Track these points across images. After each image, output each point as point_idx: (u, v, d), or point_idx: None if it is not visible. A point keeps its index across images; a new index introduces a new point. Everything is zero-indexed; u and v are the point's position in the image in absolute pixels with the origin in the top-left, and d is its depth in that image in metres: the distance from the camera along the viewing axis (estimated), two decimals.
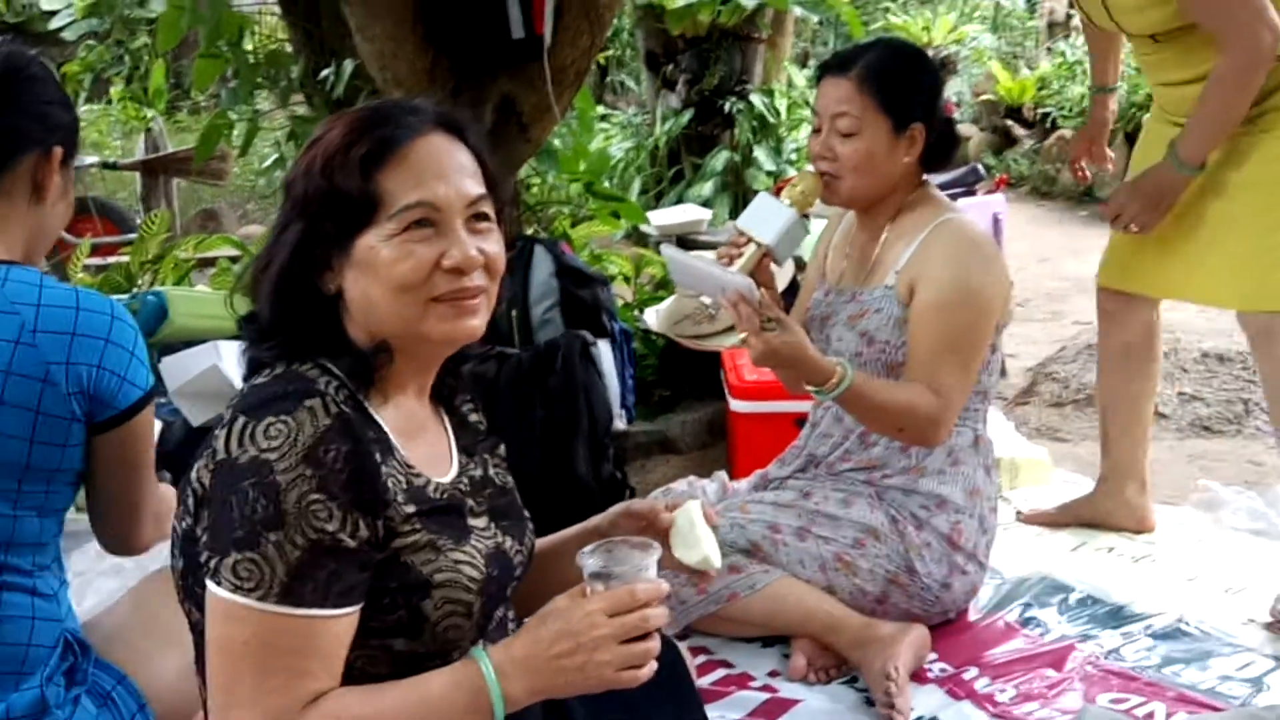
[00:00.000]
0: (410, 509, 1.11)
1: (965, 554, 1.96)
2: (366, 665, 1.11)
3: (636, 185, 7.18)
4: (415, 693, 1.08)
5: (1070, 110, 8.19)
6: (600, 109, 9.22)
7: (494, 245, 1.16)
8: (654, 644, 1.10)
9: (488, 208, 1.16)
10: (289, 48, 3.45)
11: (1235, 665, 1.89)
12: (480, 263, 1.13)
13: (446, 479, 1.21)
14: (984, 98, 9.24)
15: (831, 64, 1.99)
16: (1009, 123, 9.01)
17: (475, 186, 1.15)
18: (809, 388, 1.84)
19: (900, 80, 1.92)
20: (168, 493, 1.51)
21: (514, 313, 2.76)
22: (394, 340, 1.14)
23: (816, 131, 1.97)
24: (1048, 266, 5.77)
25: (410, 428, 1.19)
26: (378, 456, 1.09)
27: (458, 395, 1.32)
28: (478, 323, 1.15)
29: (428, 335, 1.13)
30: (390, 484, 1.09)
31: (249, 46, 3.52)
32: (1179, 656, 1.93)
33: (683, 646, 1.58)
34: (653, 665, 1.11)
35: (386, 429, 1.14)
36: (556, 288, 2.77)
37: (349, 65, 3.00)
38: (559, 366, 2.51)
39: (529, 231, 3.44)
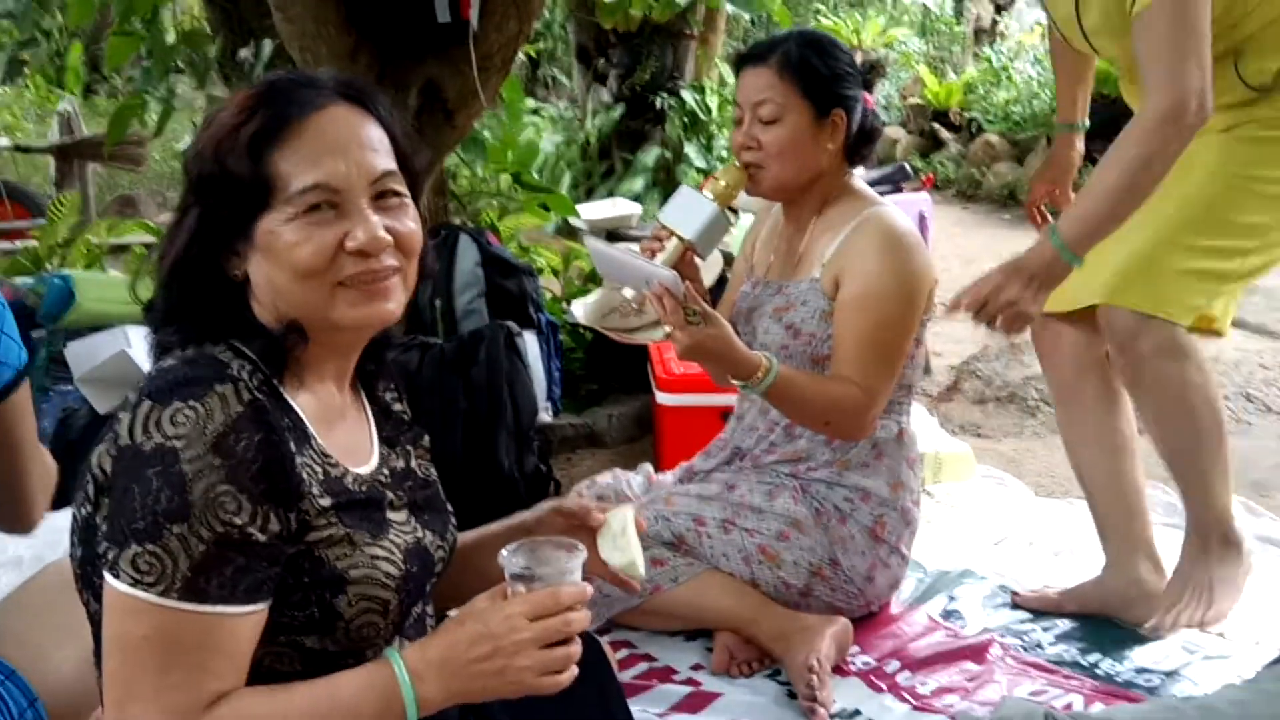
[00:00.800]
0: (326, 501, 1.06)
1: (888, 547, 1.96)
2: (275, 663, 1.06)
3: (567, 179, 7.13)
4: (324, 694, 1.03)
5: (995, 116, 8.34)
6: (531, 102, 9.15)
7: (406, 222, 1.10)
8: (575, 648, 1.07)
9: (397, 184, 1.11)
10: (207, 27, 3.34)
11: (1153, 657, 1.92)
12: (387, 243, 1.07)
13: (366, 470, 1.16)
14: (911, 101, 9.36)
15: (750, 54, 1.99)
16: (936, 126, 9.15)
17: (382, 161, 1.09)
18: (734, 381, 1.83)
19: (818, 67, 1.92)
20: (51, 464, 1.43)
21: (437, 302, 2.70)
22: (306, 325, 1.09)
23: (739, 123, 1.96)
24: (972, 268, 5.84)
25: (329, 416, 1.14)
26: (292, 446, 1.04)
27: (380, 383, 1.28)
28: (392, 306, 1.10)
29: (338, 322, 1.08)
30: (305, 475, 1.04)
31: (165, 25, 3.40)
32: (1098, 648, 1.96)
33: (604, 641, 1.55)
34: (573, 670, 1.07)
35: (303, 416, 1.09)
36: (482, 277, 2.72)
37: (268, 46, 2.91)
38: (483, 357, 2.46)
39: (460, 220, 3.39)
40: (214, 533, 0.97)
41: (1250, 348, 3.92)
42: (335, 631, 1.06)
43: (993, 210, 7.64)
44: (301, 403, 1.10)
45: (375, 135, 1.10)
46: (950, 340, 4.26)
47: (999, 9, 10.79)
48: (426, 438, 1.32)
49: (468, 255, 2.73)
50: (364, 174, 1.07)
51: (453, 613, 1.14)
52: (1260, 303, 4.49)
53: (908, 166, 3.90)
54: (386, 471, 1.19)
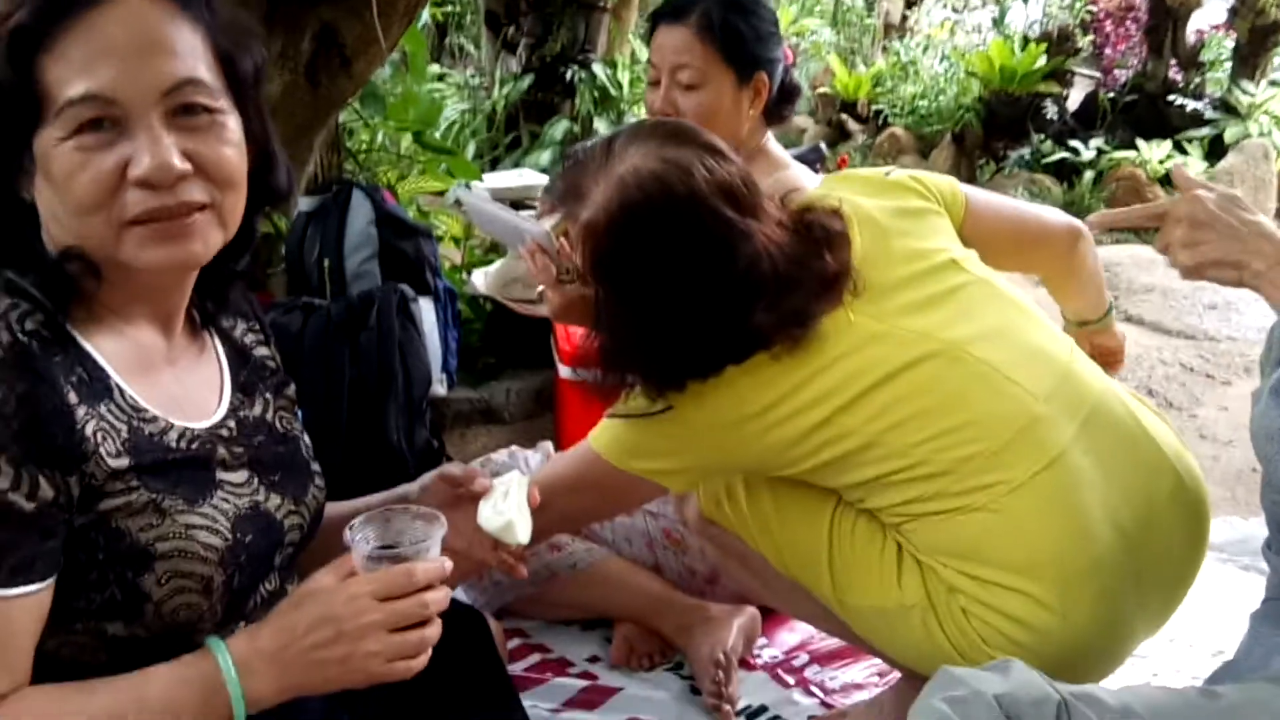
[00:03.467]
0: (124, 463, 0.89)
1: None
2: (78, 654, 0.90)
3: (471, 149, 6.91)
4: (129, 693, 0.87)
5: (902, 110, 8.39)
6: (436, 69, 8.87)
7: (217, 146, 0.92)
8: (431, 631, 0.93)
9: (204, 96, 0.91)
10: None
11: None
12: (181, 171, 0.88)
13: (205, 424, 0.99)
14: (821, 90, 9.38)
15: (665, 11, 1.86)
16: (844, 117, 9.20)
17: (180, 66, 0.90)
18: None
19: (742, 29, 1.80)
20: None
21: (326, 261, 2.51)
22: (99, 263, 0.91)
23: (654, 84, 1.83)
24: None
25: (146, 362, 0.97)
26: (73, 398, 0.87)
27: (235, 322, 1.11)
28: (197, 248, 0.92)
29: (129, 264, 0.91)
30: (92, 431, 0.87)
31: None
32: None
33: (495, 626, 1.41)
34: (427, 655, 0.93)
35: (104, 364, 0.92)
36: (375, 237, 2.53)
37: None
38: (373, 322, 2.28)
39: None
40: None
41: (1149, 343, 3.96)
42: (144, 615, 0.90)
43: None
44: (103, 348, 0.93)
45: (179, 33, 0.90)
46: None
47: (909, 4, 10.90)
48: (292, 387, 1.16)
49: (361, 213, 2.53)
50: (154, 82, 0.88)
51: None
52: (1158, 301, 4.56)
53: (823, 146, 3.82)
54: (234, 424, 1.02)
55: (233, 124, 0.94)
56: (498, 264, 3.21)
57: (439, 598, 0.93)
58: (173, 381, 1.00)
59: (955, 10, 10.40)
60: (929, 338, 1.36)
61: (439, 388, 2.61)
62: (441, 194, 4.06)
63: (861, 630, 1.49)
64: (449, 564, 0.96)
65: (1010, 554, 1.34)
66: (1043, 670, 1.13)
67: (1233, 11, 7.28)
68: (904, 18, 10.64)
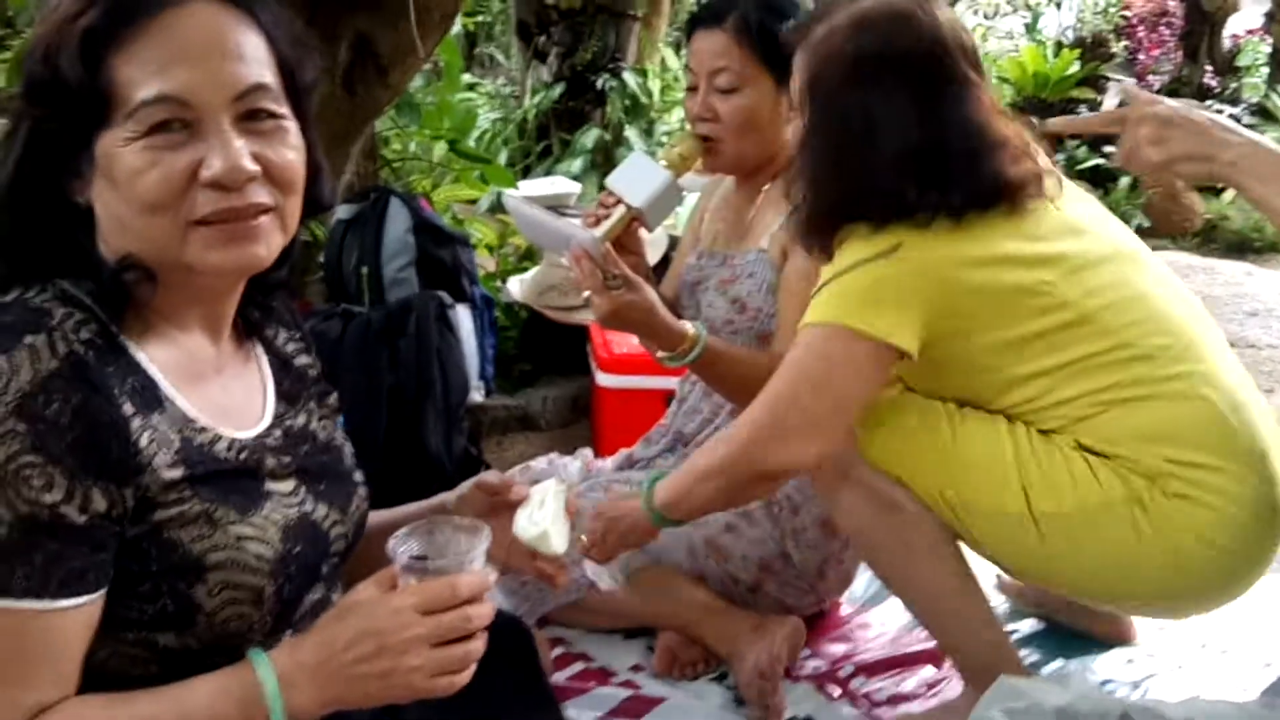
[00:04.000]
0: (177, 474, 0.88)
1: (841, 541, 1.83)
2: (129, 666, 0.89)
3: (503, 158, 6.91)
4: (171, 704, 0.86)
5: None
6: (467, 78, 8.91)
7: (282, 151, 0.92)
8: (476, 645, 0.91)
9: (272, 102, 0.92)
10: None
11: (1118, 666, 1.81)
12: (251, 174, 0.89)
13: (251, 433, 0.99)
14: None
15: (702, 16, 1.84)
16: None
17: (252, 72, 0.90)
18: (660, 355, 1.69)
19: (778, 29, 1.77)
20: None
21: (364, 269, 2.51)
22: (157, 266, 0.91)
23: (692, 90, 1.81)
24: None
25: (196, 371, 0.96)
26: (128, 408, 0.86)
27: (277, 330, 1.11)
28: (260, 250, 0.92)
29: (193, 266, 0.90)
30: (147, 442, 0.87)
31: None
32: (1062, 653, 1.84)
33: (538, 636, 1.40)
34: (471, 670, 0.92)
35: (155, 374, 0.91)
36: (413, 244, 2.53)
37: None
38: (412, 329, 2.28)
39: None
40: (16, 513, 0.80)
41: None
42: (196, 626, 0.89)
43: None
44: (155, 357, 0.92)
45: (248, 40, 0.91)
46: None
47: None
48: (334, 395, 1.15)
49: (399, 220, 2.54)
50: (226, 86, 0.88)
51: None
52: None
53: None
54: (279, 433, 1.02)
55: (295, 130, 0.95)
56: (533, 271, 3.21)
57: (483, 611, 0.91)
58: (220, 391, 0.99)
59: (987, 16, 10.33)
60: (1119, 244, 1.51)
61: (476, 395, 2.61)
62: (474, 202, 4.08)
63: (1058, 547, 1.46)
64: (493, 576, 0.94)
65: (1207, 436, 1.41)
66: (1246, 545, 1.38)
67: (1269, 16, 7.19)
68: None
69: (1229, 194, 6.16)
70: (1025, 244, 1.43)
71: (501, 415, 2.86)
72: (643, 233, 1.81)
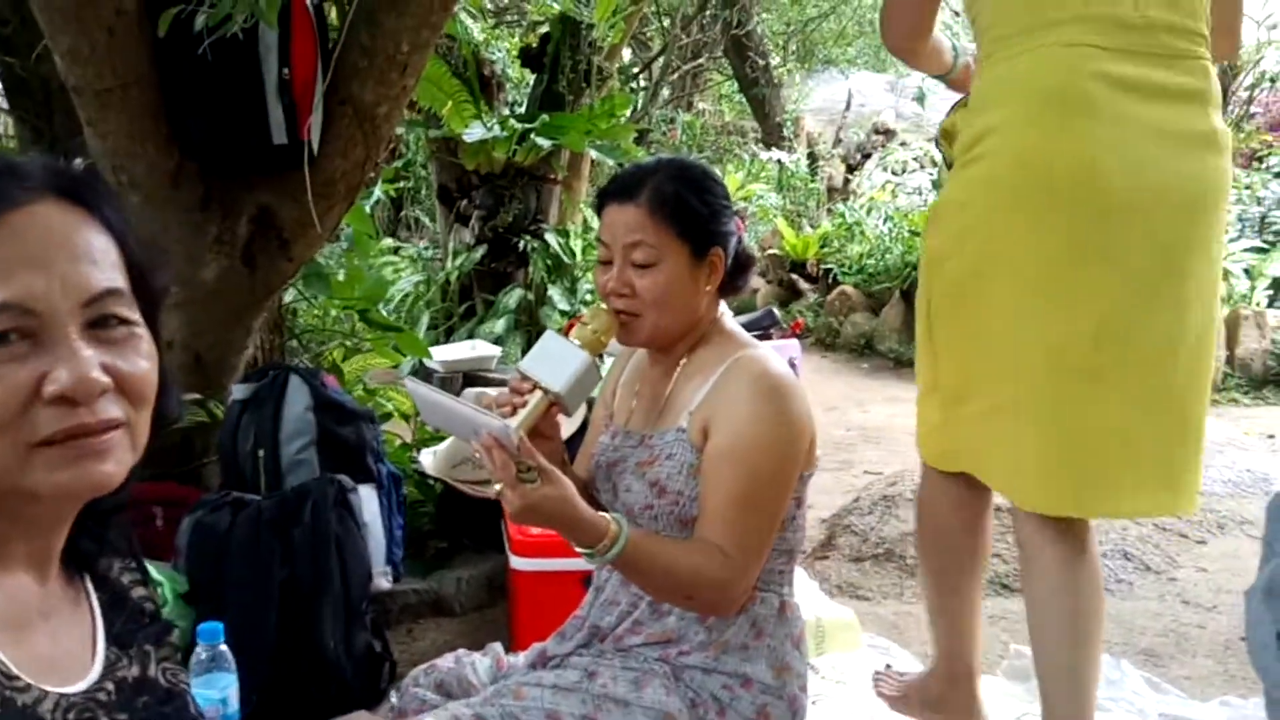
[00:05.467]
0: None
1: None
2: None
3: (425, 320, 6.88)
4: None
5: (850, 268, 8.54)
6: (391, 242, 8.93)
7: (136, 360, 0.83)
8: None
9: (123, 307, 0.84)
10: (16, 146, 3.02)
11: None
12: (103, 386, 0.80)
13: (78, 687, 0.85)
14: (770, 252, 9.56)
15: (614, 190, 1.78)
16: (794, 276, 9.34)
17: (101, 276, 0.82)
18: (580, 550, 1.57)
19: (696, 206, 1.74)
20: None
21: (260, 452, 2.37)
22: None
23: (605, 263, 1.75)
24: (834, 415, 5.82)
25: (21, 618, 0.83)
26: None
27: (110, 562, 0.97)
28: (111, 469, 0.82)
29: (36, 491, 0.79)
30: None
31: None
32: None
33: None
34: None
35: None
36: (313, 423, 2.40)
37: (79, 165, 2.60)
38: (307, 517, 2.12)
39: (295, 362, 3.08)
40: None
41: None
42: None
43: (851, 359, 7.75)
44: None
45: (95, 243, 0.83)
46: (819, 491, 4.11)
47: (850, 169, 11.27)
48: (175, 633, 1.01)
49: (298, 399, 2.41)
50: (73, 292, 0.80)
51: None
52: None
53: (775, 311, 3.80)
54: (110, 686, 0.87)
55: (147, 338, 0.86)
56: (446, 443, 3.09)
57: None
58: (46, 639, 0.86)
59: (895, 174, 10.75)
60: None
61: (383, 581, 2.44)
62: (397, 366, 3.98)
63: None
64: None
65: None
66: None
67: None
68: (846, 181, 10.99)
69: None
70: None
71: (412, 601, 2.70)
72: (562, 421, 1.72)
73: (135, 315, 0.85)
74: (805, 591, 2.56)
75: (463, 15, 6.40)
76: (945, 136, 1.94)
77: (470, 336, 6.34)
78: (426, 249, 7.84)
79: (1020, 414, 1.72)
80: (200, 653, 1.75)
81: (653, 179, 1.74)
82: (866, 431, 5.36)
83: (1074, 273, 1.65)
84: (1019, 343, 1.71)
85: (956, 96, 1.99)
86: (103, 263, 0.83)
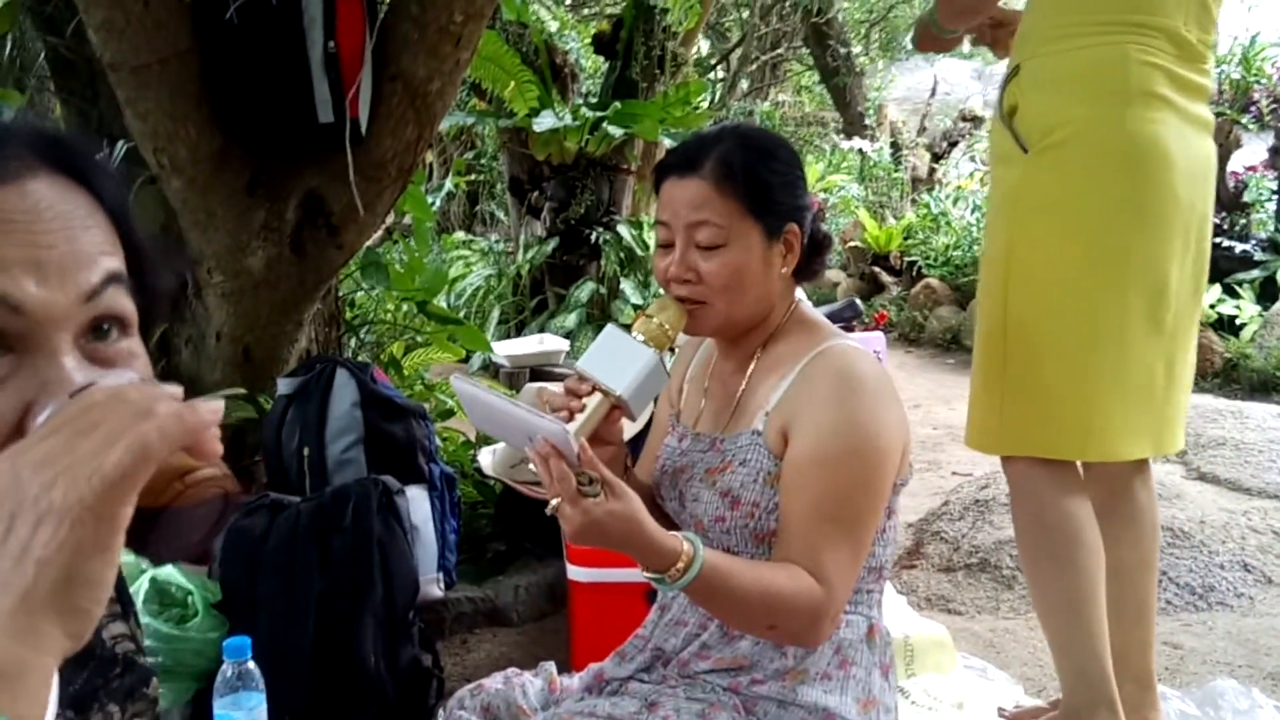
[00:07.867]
0: None
1: None
2: None
3: (496, 314, 6.78)
4: None
5: (935, 260, 8.22)
6: (462, 235, 8.86)
7: (137, 376, 0.67)
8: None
9: (126, 301, 0.68)
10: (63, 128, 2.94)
11: None
12: None
13: None
14: (852, 244, 9.27)
15: (673, 163, 1.56)
16: (876, 269, 9.04)
17: (102, 263, 0.66)
18: (647, 575, 1.37)
19: (767, 175, 1.52)
20: None
21: (306, 451, 2.22)
22: None
23: (666, 247, 1.54)
24: (919, 413, 5.55)
25: None
26: None
27: None
28: None
29: None
30: None
31: None
32: None
33: None
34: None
35: None
36: (360, 420, 2.24)
37: (122, 147, 2.49)
38: (348, 522, 1.96)
39: (348, 356, 2.95)
40: None
41: (1233, 508, 3.56)
42: None
43: (936, 354, 7.46)
44: None
45: (93, 223, 0.66)
46: (904, 493, 3.87)
47: (936, 158, 10.91)
48: (153, 682, 0.84)
49: (344, 395, 2.26)
50: (71, 291, 0.64)
51: None
52: (1230, 456, 4.18)
53: (858, 302, 3.55)
54: None
55: (144, 358, 0.70)
56: (504, 442, 2.93)
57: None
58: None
59: (983, 163, 10.36)
60: None
61: (434, 589, 2.28)
62: (466, 360, 3.81)
63: None
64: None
65: None
66: None
67: (1274, 151, 7.11)
68: (931, 170, 10.62)
69: (1248, 332, 5.92)
70: None
71: (467, 610, 2.53)
72: (624, 421, 1.52)
73: (132, 309, 0.68)
74: (892, 605, 2.34)
75: (538, 7, 6.27)
76: (1011, 114, 2.01)
77: (541, 331, 6.20)
78: (498, 242, 7.73)
79: (1100, 375, 1.92)
80: (226, 670, 1.60)
81: (717, 148, 1.52)
82: (954, 430, 5.08)
83: (1144, 240, 1.90)
84: (1096, 307, 1.91)
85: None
86: (102, 246, 0.67)
